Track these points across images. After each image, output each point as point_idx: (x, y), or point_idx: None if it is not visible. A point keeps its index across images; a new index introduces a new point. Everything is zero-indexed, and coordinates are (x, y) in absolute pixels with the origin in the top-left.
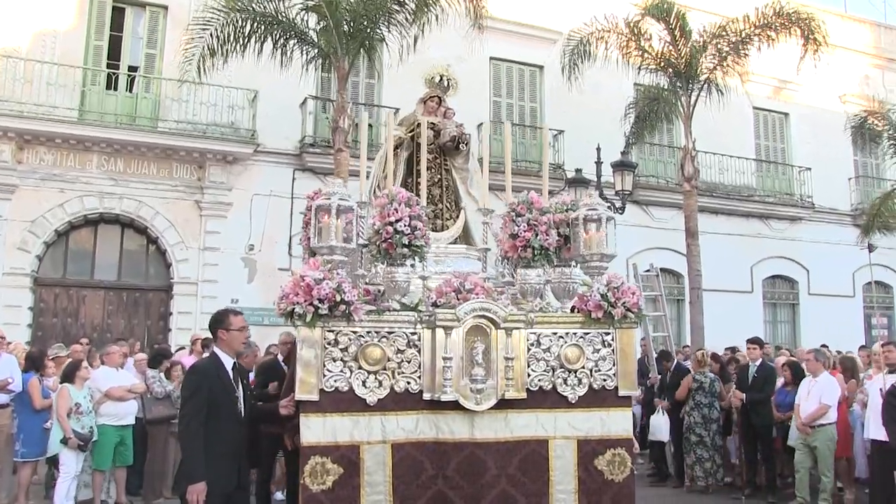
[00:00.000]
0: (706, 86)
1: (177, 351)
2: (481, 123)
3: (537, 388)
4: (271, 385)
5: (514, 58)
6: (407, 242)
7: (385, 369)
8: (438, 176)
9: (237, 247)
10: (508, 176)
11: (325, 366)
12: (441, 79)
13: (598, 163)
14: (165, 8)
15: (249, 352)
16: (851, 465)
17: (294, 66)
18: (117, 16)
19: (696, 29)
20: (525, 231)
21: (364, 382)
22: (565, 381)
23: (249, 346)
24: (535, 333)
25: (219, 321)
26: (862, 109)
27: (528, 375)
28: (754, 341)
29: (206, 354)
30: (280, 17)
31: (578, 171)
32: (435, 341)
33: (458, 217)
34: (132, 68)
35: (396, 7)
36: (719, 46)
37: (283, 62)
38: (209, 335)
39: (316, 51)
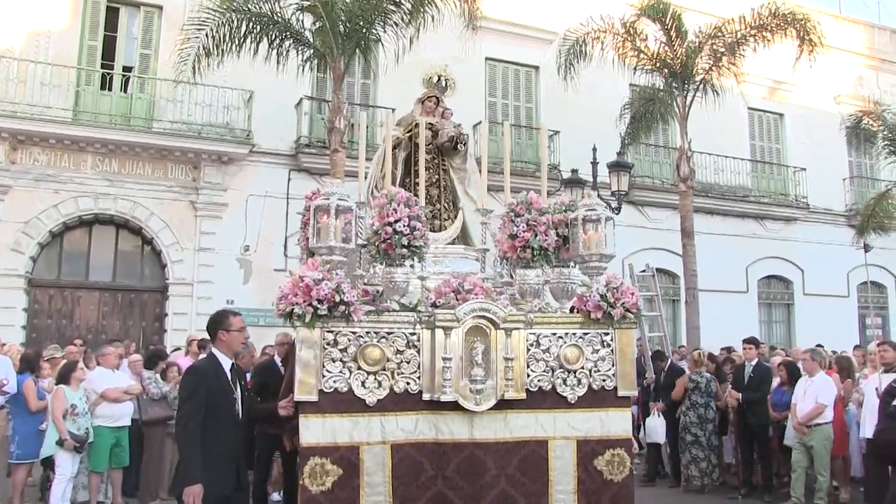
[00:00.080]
0: (702, 86)
1: (172, 352)
2: (478, 123)
3: (537, 388)
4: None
5: (509, 58)
6: (406, 243)
7: (384, 370)
8: (436, 176)
9: (232, 248)
10: (507, 177)
11: (324, 366)
12: (439, 79)
13: (594, 163)
14: (160, 8)
15: (246, 353)
16: (847, 465)
17: (289, 67)
18: (111, 16)
19: (691, 29)
20: (524, 231)
21: (363, 383)
22: (565, 381)
23: (247, 347)
24: (534, 334)
25: (218, 322)
26: (857, 110)
27: (528, 376)
28: (750, 341)
29: (202, 355)
30: (276, 18)
31: (574, 171)
32: (434, 342)
33: (456, 217)
34: (127, 68)
35: (392, 7)
36: (715, 47)
37: (278, 63)
38: (205, 336)
39: (311, 51)
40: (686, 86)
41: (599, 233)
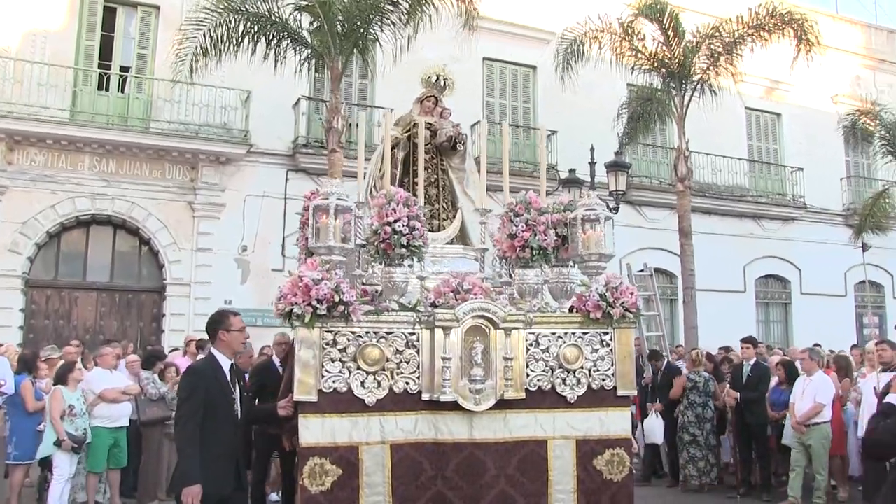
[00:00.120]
0: (699, 86)
1: (170, 352)
2: (476, 123)
3: (536, 388)
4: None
5: (507, 58)
6: (405, 243)
7: (384, 370)
8: (435, 176)
9: (230, 248)
10: (506, 177)
11: (323, 366)
12: (437, 78)
13: (592, 163)
14: (157, 8)
15: (245, 353)
16: (845, 464)
17: (287, 67)
18: (108, 16)
19: (689, 29)
20: (523, 231)
21: (363, 383)
22: (564, 381)
23: (245, 347)
24: (533, 333)
25: (218, 322)
26: (854, 110)
27: (527, 375)
28: (748, 341)
29: (201, 356)
30: (273, 18)
31: (572, 171)
32: (434, 342)
33: (454, 217)
34: (124, 69)
35: (390, 7)
36: (712, 47)
37: (276, 63)
38: (203, 336)
39: (309, 51)
40: (684, 86)
41: (598, 232)
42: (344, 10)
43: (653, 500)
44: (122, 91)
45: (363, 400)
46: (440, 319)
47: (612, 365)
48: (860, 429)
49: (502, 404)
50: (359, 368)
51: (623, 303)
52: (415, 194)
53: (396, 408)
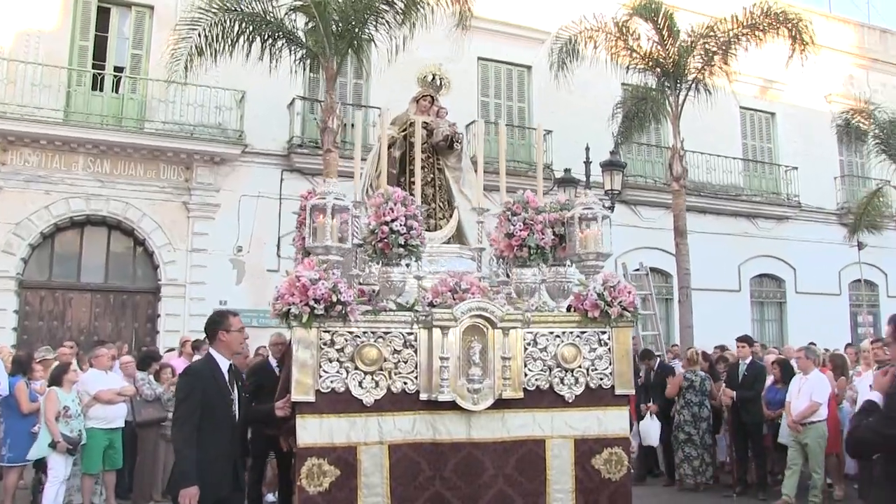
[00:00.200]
0: (694, 85)
1: (165, 353)
2: (471, 122)
3: (534, 387)
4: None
5: (502, 58)
6: (403, 242)
7: (381, 370)
8: (431, 175)
9: (225, 248)
10: (503, 176)
11: (321, 367)
12: (434, 78)
13: (587, 162)
14: (151, 8)
15: (242, 353)
16: (841, 462)
17: (282, 67)
18: (102, 16)
19: (683, 29)
20: (521, 230)
21: (360, 383)
22: (562, 380)
23: (244, 348)
24: (531, 333)
25: (218, 322)
26: (848, 109)
27: (525, 375)
28: (744, 339)
29: (196, 356)
30: (268, 18)
31: (567, 170)
32: (432, 341)
33: (451, 217)
34: (118, 69)
35: (385, 7)
36: (707, 46)
37: (271, 63)
38: (198, 337)
39: (304, 51)
40: (678, 85)
41: (596, 231)
42: (339, 9)
43: (649, 499)
44: (117, 91)
45: (361, 400)
46: (438, 319)
47: (610, 364)
48: None
49: (500, 404)
50: (356, 368)
51: (621, 302)
52: (412, 194)
53: (394, 408)
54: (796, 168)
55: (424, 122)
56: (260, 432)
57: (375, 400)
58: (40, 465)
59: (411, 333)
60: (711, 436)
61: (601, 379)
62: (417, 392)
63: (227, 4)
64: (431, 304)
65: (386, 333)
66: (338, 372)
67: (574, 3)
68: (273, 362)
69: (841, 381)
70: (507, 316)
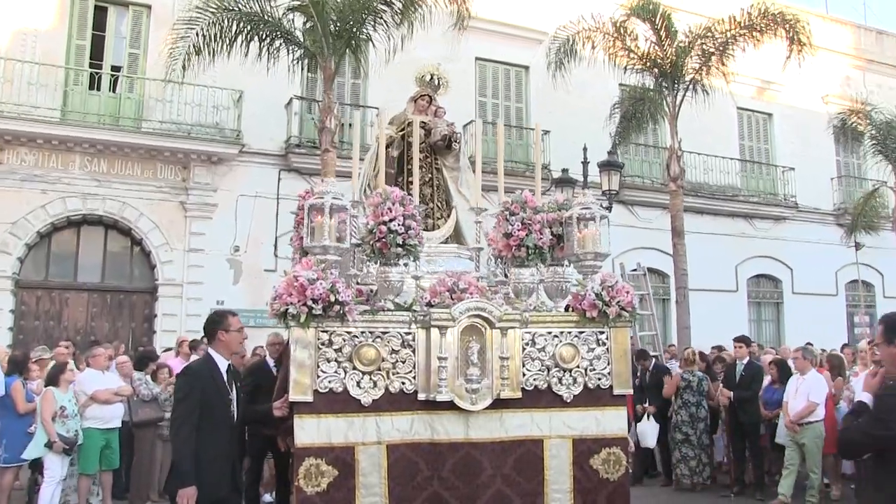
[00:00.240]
0: (691, 86)
1: (162, 353)
2: (469, 122)
3: (532, 387)
4: None
5: (499, 58)
6: (401, 242)
7: (380, 370)
8: (429, 175)
9: (222, 248)
10: (501, 176)
11: (319, 367)
12: (432, 77)
13: (585, 163)
14: (149, 7)
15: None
16: (838, 462)
17: (279, 67)
18: (99, 15)
19: (681, 29)
20: (519, 230)
21: (358, 383)
22: (560, 380)
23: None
24: (529, 333)
25: (217, 322)
26: (845, 109)
27: (524, 375)
28: (741, 340)
29: (194, 356)
30: (266, 17)
31: (565, 171)
32: (430, 341)
33: (448, 216)
34: (115, 68)
35: (383, 7)
36: (704, 47)
37: (269, 62)
38: (195, 337)
39: (302, 51)
40: (676, 85)
41: (594, 231)
42: (337, 9)
43: (646, 499)
44: (114, 90)
45: (359, 400)
46: (436, 319)
47: (609, 364)
48: None
49: (498, 404)
50: (354, 368)
51: (619, 302)
52: (409, 193)
53: (392, 408)
54: (793, 169)
55: (422, 122)
56: (257, 432)
57: (373, 400)
58: (36, 466)
59: (409, 333)
60: (709, 436)
61: (599, 379)
62: (415, 392)
63: (226, 4)
64: (429, 304)
65: (384, 333)
66: (336, 372)
67: (572, 4)
68: (270, 362)
69: (838, 382)
70: (506, 316)
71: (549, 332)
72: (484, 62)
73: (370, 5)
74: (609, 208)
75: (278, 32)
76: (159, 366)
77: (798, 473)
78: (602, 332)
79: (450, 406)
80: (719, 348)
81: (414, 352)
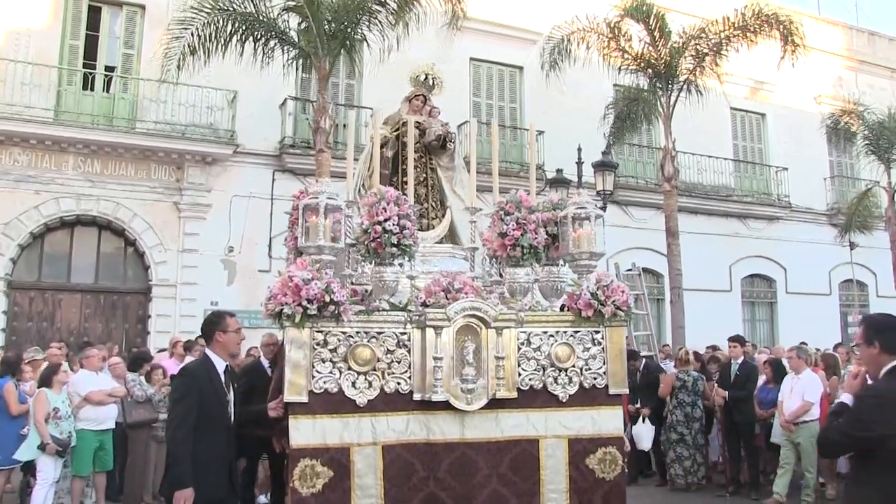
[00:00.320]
0: (685, 86)
1: (156, 353)
2: (464, 123)
3: (528, 387)
4: None
5: (494, 58)
6: (396, 242)
7: (375, 370)
8: (424, 175)
9: (216, 249)
10: (496, 177)
11: (314, 367)
12: (426, 77)
13: (579, 163)
14: (143, 7)
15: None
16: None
17: (273, 67)
18: (93, 15)
19: (675, 30)
20: (514, 230)
21: (354, 383)
22: (556, 379)
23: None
24: (525, 332)
25: (215, 323)
26: (837, 110)
27: (519, 375)
28: (736, 339)
29: (188, 357)
30: (261, 18)
31: (559, 171)
32: (425, 341)
33: (443, 216)
34: (109, 68)
35: (378, 7)
36: (698, 47)
37: (263, 63)
38: (189, 338)
39: (297, 51)
40: (670, 86)
41: (589, 230)
42: (332, 9)
43: (642, 499)
44: (108, 91)
45: (354, 400)
46: (431, 319)
47: (604, 363)
48: None
49: (494, 404)
50: (350, 369)
51: (614, 301)
52: (404, 193)
53: (388, 408)
54: (786, 169)
55: (417, 122)
56: (252, 433)
57: (369, 400)
58: (28, 468)
59: (404, 333)
60: (704, 436)
61: (595, 378)
62: (411, 392)
63: (221, 4)
64: (425, 304)
65: (379, 333)
66: (331, 372)
67: (566, 4)
68: (265, 363)
69: (833, 381)
70: (501, 315)
71: (545, 332)
72: (478, 62)
73: (365, 5)
74: (604, 208)
75: (273, 33)
76: (153, 367)
77: (793, 473)
78: (597, 332)
79: (445, 406)
80: (714, 348)
81: (409, 352)
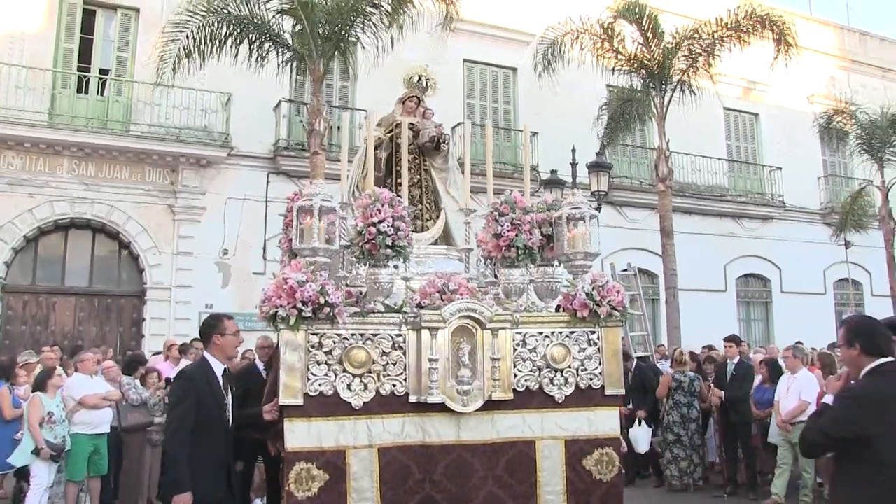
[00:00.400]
0: (679, 87)
1: (150, 357)
2: (458, 124)
3: (524, 388)
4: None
5: (487, 60)
6: (390, 243)
7: (370, 372)
8: (418, 176)
9: (211, 251)
10: (490, 178)
11: (309, 369)
12: (420, 79)
13: (573, 164)
14: (137, 10)
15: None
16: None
17: (268, 69)
18: (88, 18)
19: (668, 31)
20: (509, 230)
21: (349, 386)
22: (552, 380)
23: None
24: (520, 333)
25: (213, 326)
26: (830, 109)
27: (515, 376)
28: (731, 339)
29: (184, 360)
30: (256, 20)
31: (553, 172)
32: (420, 343)
33: (437, 217)
34: (103, 71)
35: (372, 9)
36: (691, 48)
37: (257, 65)
38: (184, 341)
39: (291, 53)
40: (663, 86)
41: (584, 231)
42: (326, 12)
43: (639, 500)
44: (102, 94)
45: (350, 403)
46: (426, 320)
47: (600, 364)
48: None
49: (490, 405)
50: (345, 371)
51: (610, 301)
52: (398, 195)
53: (383, 410)
54: (780, 168)
55: (411, 124)
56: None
57: (364, 403)
58: (21, 473)
59: (400, 335)
60: (700, 436)
61: (591, 379)
62: (406, 394)
63: (215, 7)
64: (420, 306)
65: (374, 335)
66: (326, 375)
67: (559, 5)
68: (260, 366)
69: (829, 380)
70: (496, 317)
71: (540, 333)
72: (472, 64)
73: (359, 7)
74: (598, 209)
75: (267, 35)
76: (148, 370)
77: (791, 473)
78: (593, 332)
79: (441, 408)
80: (709, 348)
81: (404, 354)
